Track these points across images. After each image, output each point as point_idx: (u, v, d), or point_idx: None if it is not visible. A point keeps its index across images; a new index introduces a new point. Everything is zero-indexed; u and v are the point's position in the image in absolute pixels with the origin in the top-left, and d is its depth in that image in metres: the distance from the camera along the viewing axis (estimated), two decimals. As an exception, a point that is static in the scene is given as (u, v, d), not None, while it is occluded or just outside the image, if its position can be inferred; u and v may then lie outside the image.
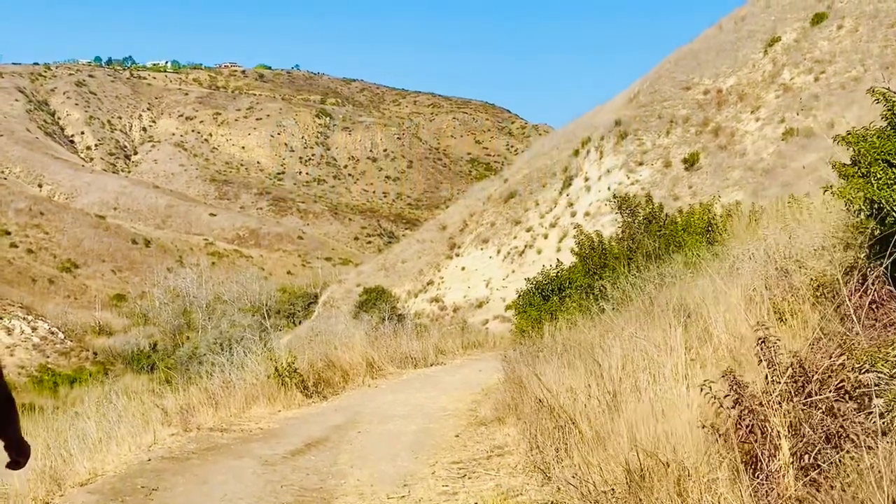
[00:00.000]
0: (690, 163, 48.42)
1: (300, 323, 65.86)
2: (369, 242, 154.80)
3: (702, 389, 3.34)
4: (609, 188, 49.95)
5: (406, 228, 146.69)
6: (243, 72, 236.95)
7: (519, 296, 16.78)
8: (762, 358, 3.34)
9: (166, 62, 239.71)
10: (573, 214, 50.88)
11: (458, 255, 57.71)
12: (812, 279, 4.02)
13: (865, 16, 46.48)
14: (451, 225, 62.99)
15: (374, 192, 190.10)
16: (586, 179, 52.23)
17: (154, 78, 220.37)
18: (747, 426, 3.27)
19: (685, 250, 8.46)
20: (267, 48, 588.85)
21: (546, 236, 51.80)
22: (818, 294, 3.96)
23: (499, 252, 54.56)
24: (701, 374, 3.93)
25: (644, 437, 3.52)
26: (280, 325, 61.47)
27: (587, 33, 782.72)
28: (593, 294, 10.69)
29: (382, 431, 9.98)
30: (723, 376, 3.33)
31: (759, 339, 3.37)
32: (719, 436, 3.29)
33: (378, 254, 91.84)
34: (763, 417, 3.25)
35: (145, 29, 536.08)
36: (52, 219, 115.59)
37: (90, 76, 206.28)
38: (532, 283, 16.03)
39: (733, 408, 3.29)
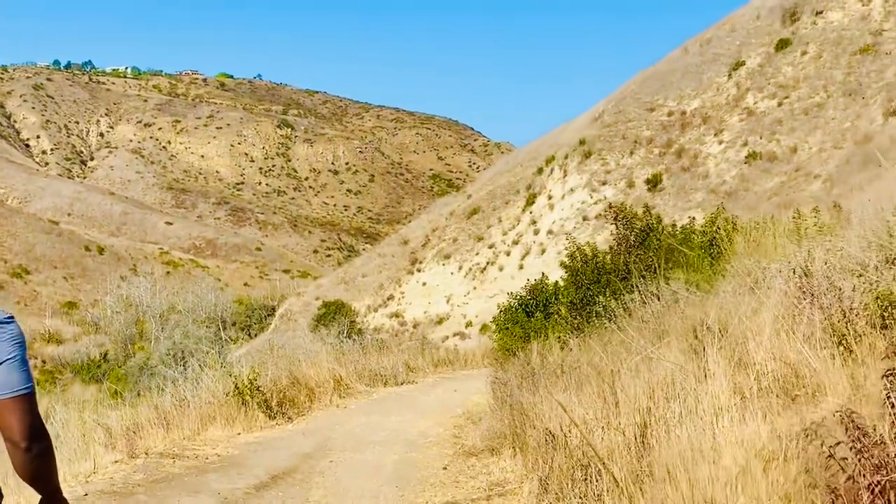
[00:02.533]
0: (653, 183, 48.51)
1: (256, 336, 64.78)
2: (329, 256, 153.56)
3: (806, 435, 2.79)
4: (572, 206, 49.91)
5: (366, 243, 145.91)
6: (204, 80, 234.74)
7: (500, 311, 15.97)
8: (891, 397, 2.79)
9: (126, 68, 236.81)
10: (536, 232, 50.67)
11: (419, 271, 57.19)
12: (879, 296, 3.55)
13: (829, 42, 47.03)
14: (413, 240, 62.49)
15: (334, 205, 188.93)
16: (550, 197, 52.09)
17: (113, 83, 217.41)
18: (878, 486, 2.67)
19: (687, 265, 8.00)
20: (229, 57, 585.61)
21: (508, 253, 51.51)
22: (886, 314, 3.48)
23: (461, 268, 54.15)
24: (741, 405, 3.44)
25: (695, 484, 3.01)
26: (235, 337, 60.42)
27: (551, 54, 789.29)
28: (587, 311, 10.15)
29: (358, 462, 9.13)
30: (838, 418, 2.75)
31: (888, 371, 2.85)
32: (835, 496, 2.71)
33: (338, 267, 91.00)
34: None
35: (106, 34, 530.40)
36: (3, 223, 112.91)
37: (48, 80, 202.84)
38: (515, 298, 15.28)
39: (858, 460, 2.69)
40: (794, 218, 7.27)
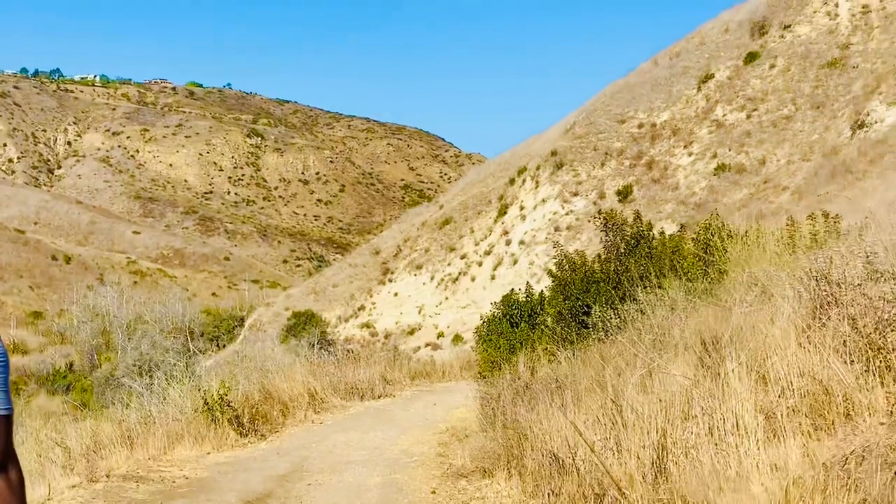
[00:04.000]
0: (624, 195, 48.62)
1: (224, 347, 64.05)
2: (299, 266, 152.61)
3: (857, 461, 2.55)
4: (544, 217, 49.91)
5: (337, 253, 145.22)
6: (174, 88, 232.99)
7: (483, 321, 15.52)
8: None
9: (95, 76, 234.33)
10: (508, 243, 50.59)
11: (391, 281, 56.87)
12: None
13: (797, 56, 47.47)
14: (384, 250, 62.15)
15: (304, 214, 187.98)
16: (522, 208, 52.06)
17: (81, 91, 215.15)
18: None
19: (683, 273, 7.77)
20: (198, 66, 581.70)
21: (481, 264, 51.36)
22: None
23: (432, 278, 53.90)
24: (766, 425, 3.20)
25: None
26: (203, 348, 59.69)
27: (523, 65, 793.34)
28: (577, 321, 9.86)
29: (339, 484, 8.46)
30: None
31: None
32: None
33: (308, 277, 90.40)
34: None
35: (74, 42, 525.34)
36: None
37: (15, 87, 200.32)
38: (499, 308, 14.84)
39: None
40: (787, 225, 7.12)
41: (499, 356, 11.84)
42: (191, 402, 10.90)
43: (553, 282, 11.44)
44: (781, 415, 3.05)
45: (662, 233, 11.31)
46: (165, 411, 10.66)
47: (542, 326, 11.81)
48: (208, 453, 10.12)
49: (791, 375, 3.26)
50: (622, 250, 10.57)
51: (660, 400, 3.82)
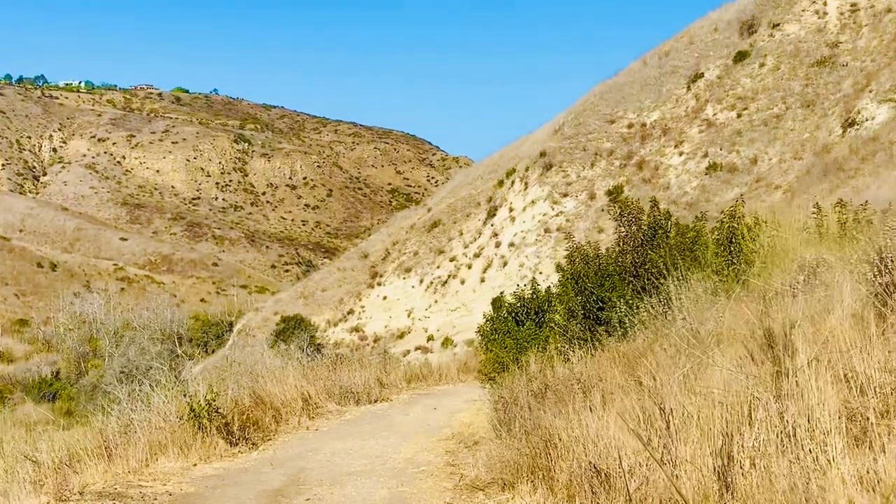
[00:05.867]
0: (615, 195, 48.26)
1: (213, 352, 63.47)
2: (287, 271, 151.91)
3: None
4: (534, 218, 49.55)
5: (325, 257, 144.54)
6: (160, 94, 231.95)
7: (486, 320, 14.82)
8: None
9: (80, 82, 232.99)
10: (497, 245, 50.21)
11: (379, 284, 56.40)
12: None
13: (787, 54, 47.31)
14: (373, 253, 61.69)
15: (292, 219, 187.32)
16: (511, 210, 51.70)
17: (66, 98, 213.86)
18: None
19: (705, 265, 7.29)
20: (185, 72, 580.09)
21: (470, 266, 50.97)
22: None
23: (421, 281, 53.47)
24: (849, 429, 2.75)
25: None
26: (192, 353, 59.12)
27: (509, 69, 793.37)
28: (593, 317, 9.33)
29: (341, 499, 7.68)
30: None
31: None
32: None
33: (296, 282, 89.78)
34: None
35: (59, 48, 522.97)
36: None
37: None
38: (504, 305, 14.16)
39: None
40: (813, 214, 6.70)
41: (506, 356, 11.12)
42: (176, 409, 10.09)
43: (562, 276, 10.82)
44: (867, 417, 2.63)
45: (677, 222, 10.74)
46: (148, 419, 9.87)
47: (551, 324, 11.24)
48: (195, 465, 9.36)
49: (871, 371, 2.84)
50: (639, 241, 10.00)
51: (719, 402, 3.35)
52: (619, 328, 7.28)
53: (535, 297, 13.38)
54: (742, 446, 3.08)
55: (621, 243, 10.98)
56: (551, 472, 5.41)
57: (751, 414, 3.12)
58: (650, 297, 6.70)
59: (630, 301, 7.59)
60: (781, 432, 2.91)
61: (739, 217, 8.47)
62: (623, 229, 11.11)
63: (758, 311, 4.36)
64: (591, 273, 10.04)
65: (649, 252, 9.07)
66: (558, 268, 11.23)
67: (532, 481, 6.00)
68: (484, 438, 9.00)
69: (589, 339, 8.35)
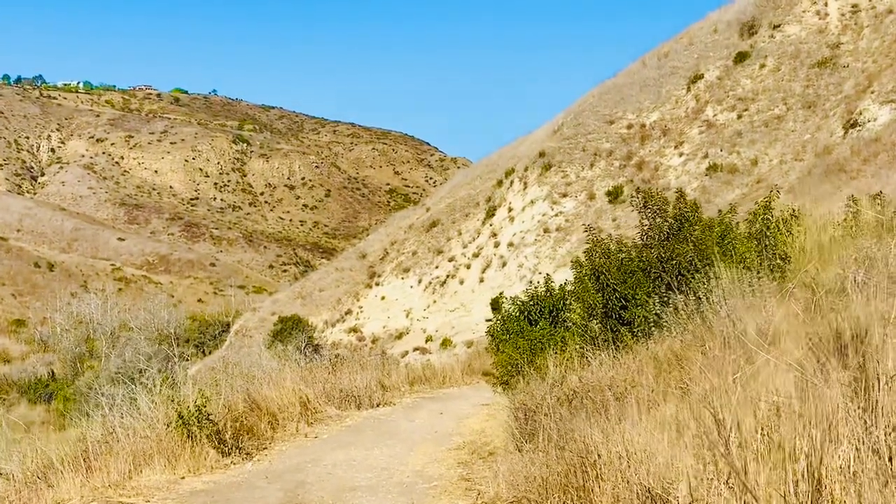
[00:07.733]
0: (614, 195, 48.07)
1: (210, 353, 63.16)
2: (285, 271, 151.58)
3: None
4: (533, 218, 49.32)
5: (323, 257, 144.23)
6: (158, 95, 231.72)
7: (498, 319, 14.02)
8: None
9: (78, 82, 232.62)
10: (496, 245, 49.98)
11: (377, 285, 56.13)
12: None
13: (787, 55, 47.11)
14: (371, 253, 61.41)
15: (290, 220, 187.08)
16: (510, 210, 51.47)
17: (65, 98, 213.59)
18: None
19: (737, 261, 6.87)
20: (183, 72, 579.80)
21: (469, 266, 50.72)
22: None
23: (420, 282, 53.21)
24: None
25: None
26: (188, 354, 58.76)
27: (509, 69, 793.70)
28: (615, 317, 8.83)
29: None
30: None
31: None
32: None
33: (294, 282, 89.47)
34: None
35: (58, 48, 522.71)
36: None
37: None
38: (516, 304, 13.44)
39: None
40: (848, 206, 6.39)
41: (520, 358, 10.44)
42: (163, 415, 9.33)
43: (578, 273, 10.17)
44: None
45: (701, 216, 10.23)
46: (133, 427, 9.10)
47: (568, 324, 10.67)
48: (182, 478, 8.63)
49: None
50: (665, 234, 9.46)
51: (800, 415, 2.92)
52: (645, 327, 6.80)
53: (549, 294, 12.70)
54: (829, 468, 2.75)
55: (645, 237, 10.42)
56: (589, 493, 4.90)
57: (835, 429, 2.73)
58: (677, 294, 6.28)
59: (664, 298, 7.09)
60: (871, 450, 2.57)
61: (775, 208, 8.06)
62: (647, 221, 10.55)
63: (818, 309, 3.99)
64: (613, 269, 9.67)
65: (676, 246, 8.59)
66: (575, 263, 10.52)
67: (564, 502, 5.36)
68: (500, 449, 8.28)
69: (611, 339, 7.90)
